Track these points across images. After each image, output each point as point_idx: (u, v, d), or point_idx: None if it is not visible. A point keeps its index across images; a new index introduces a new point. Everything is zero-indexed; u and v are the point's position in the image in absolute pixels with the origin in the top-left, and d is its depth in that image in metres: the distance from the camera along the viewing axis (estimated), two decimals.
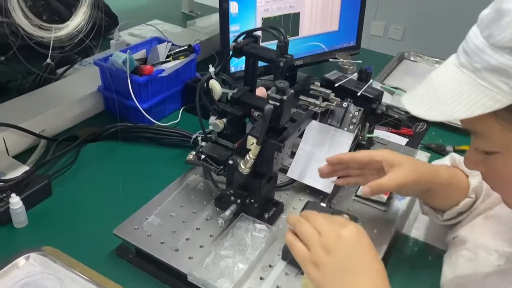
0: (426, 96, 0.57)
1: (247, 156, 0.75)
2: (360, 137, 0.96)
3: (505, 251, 0.65)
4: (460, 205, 0.79)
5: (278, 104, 0.71)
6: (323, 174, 0.83)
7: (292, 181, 0.92)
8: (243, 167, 0.75)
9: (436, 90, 0.56)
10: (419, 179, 0.75)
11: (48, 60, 1.24)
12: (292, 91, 0.73)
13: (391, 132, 1.19)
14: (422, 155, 1.05)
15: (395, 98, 1.38)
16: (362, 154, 0.80)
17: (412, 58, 1.65)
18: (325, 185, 0.89)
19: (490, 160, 0.59)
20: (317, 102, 0.84)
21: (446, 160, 0.85)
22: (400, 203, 0.91)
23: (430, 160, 1.05)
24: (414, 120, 1.26)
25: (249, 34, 0.84)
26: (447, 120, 0.57)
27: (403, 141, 1.17)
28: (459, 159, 0.81)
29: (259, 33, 0.84)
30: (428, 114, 0.55)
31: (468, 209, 0.79)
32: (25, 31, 0.65)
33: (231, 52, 0.82)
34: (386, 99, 1.33)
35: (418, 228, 0.92)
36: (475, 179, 0.79)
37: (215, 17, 1.26)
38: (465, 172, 0.80)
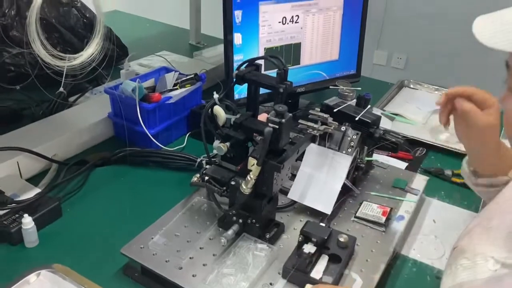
0: (497, 26, 0.63)
1: (248, 177, 0.78)
2: (358, 160, 1.00)
3: (501, 256, 0.67)
4: (497, 177, 0.84)
5: (277, 126, 0.75)
6: (439, 103, 0.84)
7: (293, 202, 0.96)
8: (244, 187, 0.79)
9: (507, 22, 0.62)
10: (489, 139, 0.82)
11: (61, 89, 1.30)
12: (290, 114, 0.77)
13: (391, 156, 1.22)
14: (421, 179, 1.08)
15: (395, 123, 1.42)
16: (481, 95, 0.83)
17: (412, 86, 1.69)
18: (325, 207, 0.92)
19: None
20: (316, 125, 0.88)
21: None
22: (398, 224, 0.93)
23: (428, 184, 1.08)
24: (412, 144, 1.29)
25: (251, 62, 0.89)
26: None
27: (403, 165, 1.20)
28: None
29: (261, 61, 0.89)
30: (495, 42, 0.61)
31: (500, 185, 0.83)
32: (43, 60, 0.70)
33: (234, 80, 0.87)
34: (387, 125, 1.38)
35: (416, 248, 0.94)
36: None
37: (221, 48, 1.33)
38: None
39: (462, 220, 1.02)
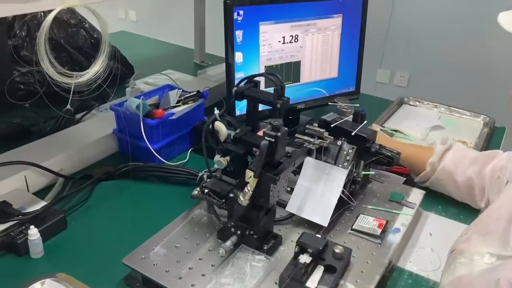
0: None
1: (246, 189, 0.81)
2: (355, 174, 1.02)
3: (496, 250, 0.71)
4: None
5: (273, 140, 0.78)
6: None
7: (291, 215, 0.98)
8: (242, 199, 0.82)
9: None
10: None
11: (68, 106, 1.35)
12: (285, 128, 0.80)
13: (390, 171, 1.24)
14: (417, 192, 1.10)
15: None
16: None
17: (411, 103, 1.72)
18: (322, 219, 0.94)
19: None
20: (311, 139, 0.91)
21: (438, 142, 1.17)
22: (394, 237, 0.95)
23: (426, 198, 1.10)
24: None
25: (250, 79, 0.93)
26: None
27: (401, 179, 1.22)
28: (442, 142, 1.15)
29: (260, 78, 0.93)
30: None
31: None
32: (51, 77, 0.74)
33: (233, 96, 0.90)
34: None
35: (413, 261, 0.96)
36: (433, 157, 1.12)
37: (224, 67, 1.37)
38: (434, 152, 1.13)
39: (459, 233, 1.03)
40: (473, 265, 0.72)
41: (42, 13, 1.50)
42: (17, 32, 1.50)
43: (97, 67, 0.81)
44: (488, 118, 1.60)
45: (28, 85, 1.46)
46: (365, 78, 1.55)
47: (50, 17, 0.71)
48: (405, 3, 3.01)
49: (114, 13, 4.11)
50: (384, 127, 1.50)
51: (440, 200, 1.15)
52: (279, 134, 0.78)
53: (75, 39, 1.61)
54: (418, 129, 1.51)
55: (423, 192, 1.11)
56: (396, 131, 1.49)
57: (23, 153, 1.13)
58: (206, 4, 1.92)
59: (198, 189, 0.98)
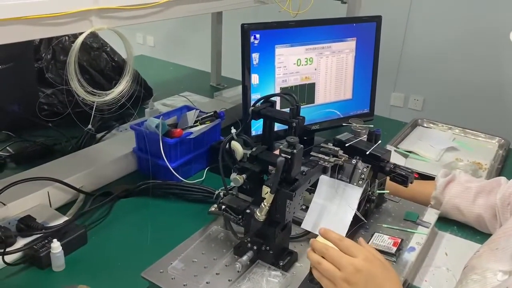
0: None
1: (262, 204, 0.83)
2: (369, 193, 1.03)
3: (508, 267, 0.72)
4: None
5: (289, 156, 0.81)
6: None
7: (307, 232, 0.99)
8: (258, 214, 0.83)
9: None
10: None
11: (89, 126, 1.40)
12: (301, 145, 0.82)
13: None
14: (432, 212, 1.10)
15: (409, 160, 1.46)
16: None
17: (425, 125, 1.74)
18: None
19: None
20: (326, 157, 0.93)
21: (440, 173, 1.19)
22: (409, 255, 0.96)
23: (441, 218, 1.11)
24: (425, 180, 1.32)
25: (266, 99, 0.96)
26: None
27: None
28: (443, 174, 1.17)
29: (276, 98, 0.96)
30: None
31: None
32: (79, 95, 0.79)
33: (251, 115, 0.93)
34: (400, 162, 1.41)
35: (428, 280, 0.96)
36: (436, 191, 1.14)
37: (240, 89, 1.41)
38: (436, 185, 1.15)
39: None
40: (486, 282, 0.72)
41: (67, 37, 1.57)
42: (43, 55, 1.57)
43: (121, 87, 0.85)
44: (503, 140, 1.61)
45: (51, 106, 1.51)
46: (379, 101, 1.57)
47: (80, 38, 0.76)
48: (418, 28, 3.05)
49: (132, 39, 4.23)
50: (398, 148, 1.51)
51: (456, 220, 1.15)
52: (295, 151, 0.81)
53: (97, 62, 1.67)
54: (432, 150, 1.52)
55: (438, 211, 1.11)
56: (410, 152, 1.50)
57: (47, 170, 1.17)
58: (223, 29, 1.98)
59: (215, 205, 1.01)
